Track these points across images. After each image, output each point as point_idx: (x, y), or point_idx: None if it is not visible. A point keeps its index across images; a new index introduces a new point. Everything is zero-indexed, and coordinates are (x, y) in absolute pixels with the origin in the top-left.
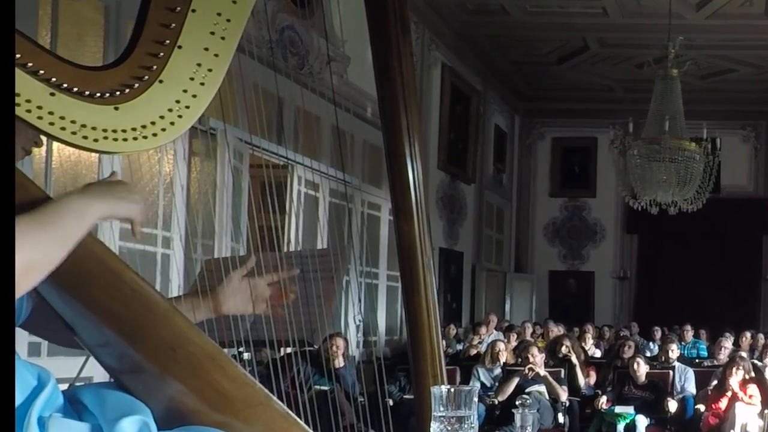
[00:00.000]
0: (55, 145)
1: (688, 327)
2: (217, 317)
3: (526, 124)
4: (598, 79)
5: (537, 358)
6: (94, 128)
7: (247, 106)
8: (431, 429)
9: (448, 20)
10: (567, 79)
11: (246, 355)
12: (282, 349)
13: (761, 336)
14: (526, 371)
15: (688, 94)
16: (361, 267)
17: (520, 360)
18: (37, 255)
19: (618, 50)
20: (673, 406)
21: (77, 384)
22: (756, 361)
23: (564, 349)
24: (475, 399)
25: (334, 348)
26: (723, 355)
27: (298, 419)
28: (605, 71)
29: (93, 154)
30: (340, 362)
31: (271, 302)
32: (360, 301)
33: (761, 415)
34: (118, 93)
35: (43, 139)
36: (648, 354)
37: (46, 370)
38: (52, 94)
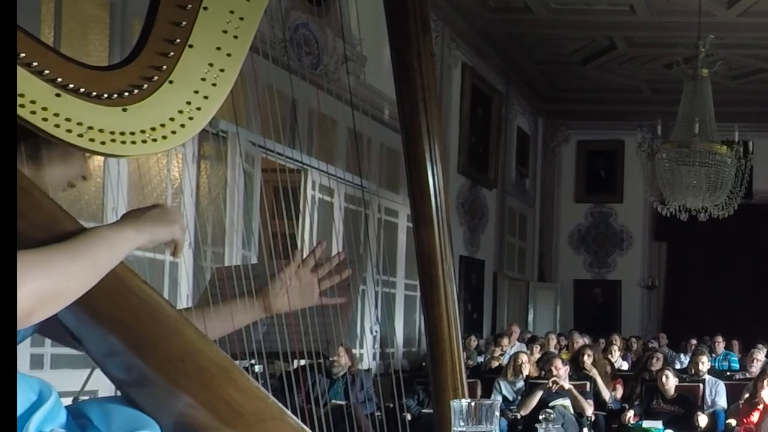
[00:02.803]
0: None
1: (719, 338)
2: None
3: (550, 126)
4: (625, 80)
5: (561, 371)
6: (101, 130)
7: (260, 108)
8: None
9: (469, 18)
10: (593, 79)
11: (258, 368)
12: (296, 362)
13: None
14: (550, 384)
15: (719, 95)
16: (378, 275)
17: (543, 373)
18: (64, 284)
19: (646, 49)
20: (703, 420)
21: (82, 397)
22: None
23: (587, 359)
24: (497, 413)
25: (335, 358)
26: (755, 368)
27: None
28: (632, 71)
29: (99, 157)
30: (341, 372)
31: (321, 292)
32: (377, 310)
33: None
34: (126, 94)
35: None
36: (677, 366)
37: (47, 384)
38: (58, 95)
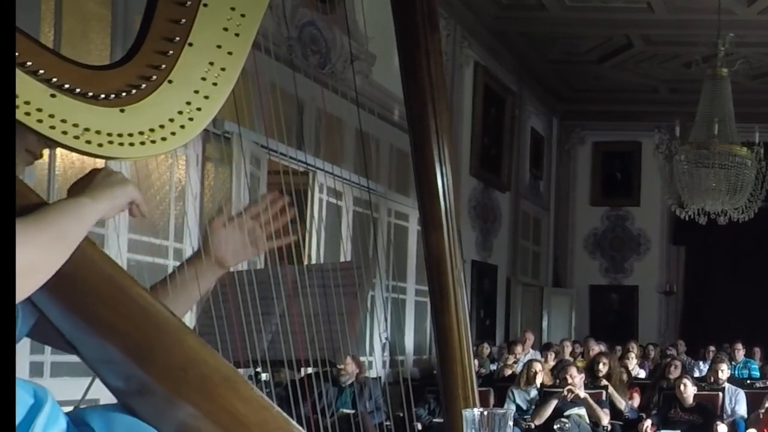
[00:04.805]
0: (59, 150)
1: (739, 345)
2: (230, 336)
3: (565, 127)
4: (642, 79)
5: (576, 379)
6: (98, 132)
7: (266, 109)
8: None
9: (481, 16)
10: (609, 79)
11: (264, 376)
12: (303, 370)
13: None
14: (565, 393)
15: (739, 95)
16: (387, 281)
17: (558, 381)
18: (38, 256)
19: (664, 48)
20: (723, 430)
21: (83, 406)
22: None
23: (602, 367)
24: (510, 423)
25: (342, 366)
26: None
27: None
28: (650, 71)
29: (100, 160)
30: (349, 381)
31: (268, 233)
32: (386, 316)
33: None
34: (124, 94)
35: (59, 153)
36: (696, 374)
37: (42, 388)
38: (53, 96)
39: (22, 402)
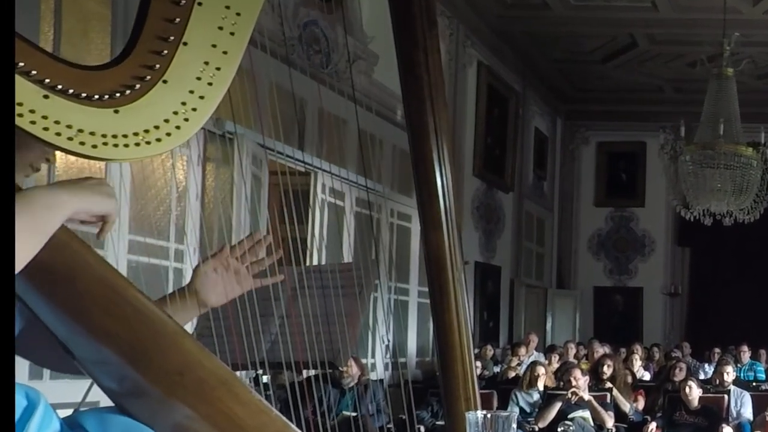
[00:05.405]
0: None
1: (745, 347)
2: (229, 338)
3: (569, 127)
4: (646, 79)
5: (580, 382)
6: (92, 133)
7: (267, 109)
8: None
9: (485, 15)
10: (613, 78)
11: (266, 378)
12: (305, 372)
13: None
14: (569, 395)
15: (745, 95)
16: (390, 282)
17: (562, 383)
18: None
19: (668, 47)
20: None
21: (82, 409)
22: None
23: (606, 369)
24: (514, 425)
25: (344, 368)
26: None
27: None
28: (655, 70)
29: (100, 162)
30: (351, 383)
31: (256, 274)
32: (389, 317)
33: None
34: (118, 95)
35: (57, 154)
36: (701, 377)
37: (34, 390)
38: (46, 97)
39: (16, 403)
